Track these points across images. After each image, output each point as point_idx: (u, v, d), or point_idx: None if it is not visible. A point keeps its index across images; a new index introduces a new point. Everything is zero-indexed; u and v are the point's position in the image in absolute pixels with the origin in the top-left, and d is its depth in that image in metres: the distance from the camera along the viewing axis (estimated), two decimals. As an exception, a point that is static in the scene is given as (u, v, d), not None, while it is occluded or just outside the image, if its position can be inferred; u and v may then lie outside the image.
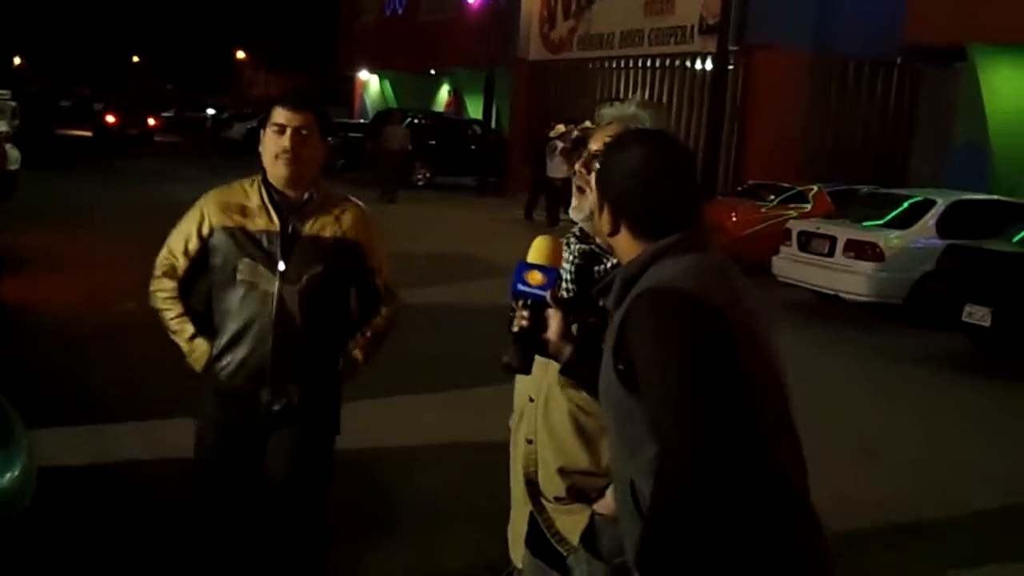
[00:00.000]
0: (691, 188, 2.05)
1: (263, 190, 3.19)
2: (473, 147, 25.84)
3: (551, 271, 2.20)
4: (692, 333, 1.79)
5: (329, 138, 3.38)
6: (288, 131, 3.12)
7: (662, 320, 1.81)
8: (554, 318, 2.18)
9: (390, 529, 4.70)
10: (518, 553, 2.50)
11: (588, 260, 2.36)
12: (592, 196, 2.16)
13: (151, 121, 40.58)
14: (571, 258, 2.38)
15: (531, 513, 2.42)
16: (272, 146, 3.15)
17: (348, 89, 43.80)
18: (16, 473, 3.42)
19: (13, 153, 14.18)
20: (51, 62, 64.02)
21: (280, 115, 3.14)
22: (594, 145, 2.33)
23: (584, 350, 2.16)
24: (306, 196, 3.19)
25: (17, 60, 64.09)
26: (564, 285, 2.35)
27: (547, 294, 2.18)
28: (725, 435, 1.74)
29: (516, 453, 2.49)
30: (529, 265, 2.21)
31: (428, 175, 24.67)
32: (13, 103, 20.32)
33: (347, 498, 5.01)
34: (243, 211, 3.17)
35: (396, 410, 6.51)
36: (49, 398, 5.54)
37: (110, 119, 39.10)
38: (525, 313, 2.18)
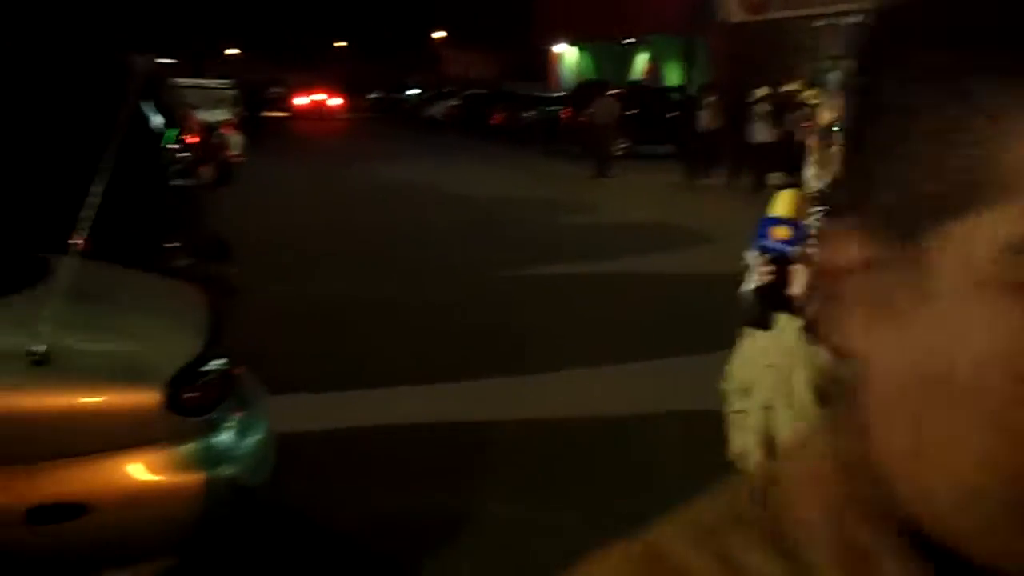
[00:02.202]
0: None
1: None
2: (672, 115, 25.48)
3: (799, 225, 2.15)
4: None
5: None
6: None
7: None
8: (802, 273, 2.13)
9: (606, 499, 4.71)
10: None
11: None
12: (837, 164, 2.10)
13: (341, 102, 42.40)
14: (816, 217, 2.31)
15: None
16: None
17: (542, 63, 44.02)
18: (260, 437, 3.63)
19: (236, 139, 14.99)
20: (263, 51, 67.30)
21: None
22: (828, 115, 2.26)
23: None
24: None
25: (232, 51, 67.70)
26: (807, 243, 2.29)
27: (794, 249, 2.13)
28: None
29: (742, 420, 2.45)
30: (774, 220, 2.16)
31: (628, 145, 24.50)
32: (234, 91, 21.43)
33: (560, 467, 5.10)
34: None
35: (606, 380, 6.54)
36: (282, 368, 5.86)
37: (304, 102, 41.26)
38: (770, 268, 2.15)
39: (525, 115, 29.96)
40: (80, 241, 3.31)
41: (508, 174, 20.64)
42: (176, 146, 5.81)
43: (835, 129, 2.18)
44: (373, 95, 53.79)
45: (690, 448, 5.11)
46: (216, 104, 19.18)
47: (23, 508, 2.98)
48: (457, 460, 5.16)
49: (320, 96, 44.49)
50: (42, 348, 3.00)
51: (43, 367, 3.01)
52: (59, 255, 3.60)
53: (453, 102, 38.43)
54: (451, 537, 4.30)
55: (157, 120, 5.68)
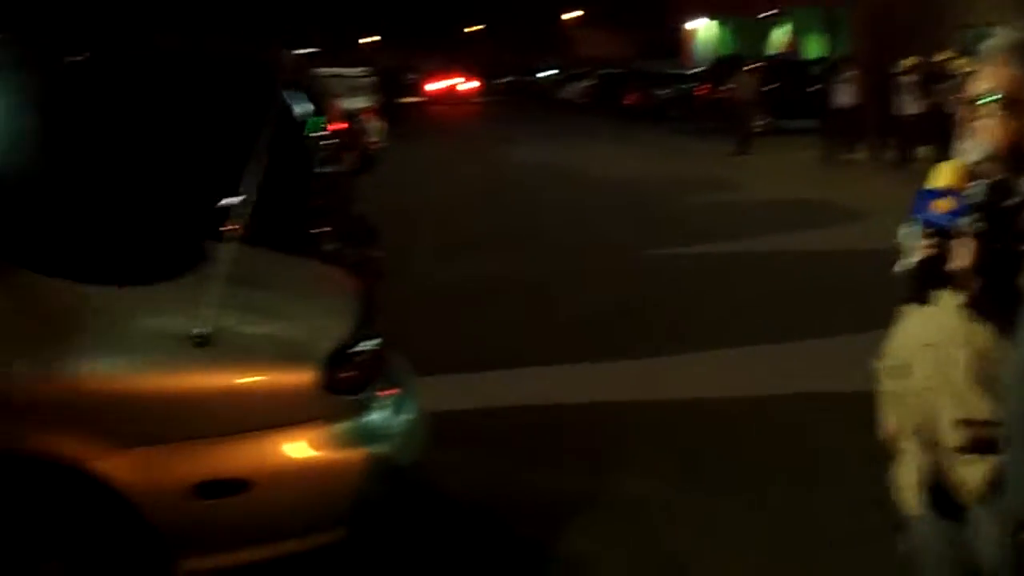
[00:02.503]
0: None
1: None
2: (813, 89, 24.77)
3: (962, 197, 2.07)
4: None
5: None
6: None
7: None
8: (964, 246, 2.05)
9: (751, 481, 4.63)
10: (909, 501, 2.40)
11: (998, 192, 2.20)
12: (997, 137, 2.04)
13: (475, 86, 43.08)
14: (977, 189, 2.22)
15: (926, 463, 2.31)
16: None
17: (676, 40, 43.43)
18: (411, 416, 3.71)
19: (376, 126, 15.27)
20: (397, 38, 68.27)
21: None
22: (984, 83, 2.16)
23: (996, 284, 2.02)
24: None
25: (369, 39, 68.91)
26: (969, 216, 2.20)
27: (955, 222, 2.05)
28: None
29: (896, 401, 2.38)
30: (934, 192, 2.08)
31: (768, 121, 23.94)
32: (373, 78, 21.82)
33: (706, 449, 5.05)
34: None
35: (757, 359, 6.43)
36: (430, 349, 5.98)
37: (439, 87, 42.09)
38: (930, 242, 2.07)
39: (660, 93, 29.62)
40: (236, 228, 3.43)
41: (645, 153, 20.47)
42: (321, 134, 5.95)
43: (991, 99, 2.09)
44: (507, 78, 54.06)
45: (837, 429, 4.99)
46: (356, 92, 19.57)
47: (192, 482, 3.13)
48: (603, 441, 5.16)
49: (454, 80, 45.36)
50: (204, 330, 3.12)
51: (205, 348, 3.14)
52: (216, 242, 3.75)
53: (587, 83, 38.30)
54: (594, 518, 4.31)
55: (302, 109, 5.83)
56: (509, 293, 8.43)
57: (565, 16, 62.29)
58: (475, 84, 44.40)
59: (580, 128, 27.42)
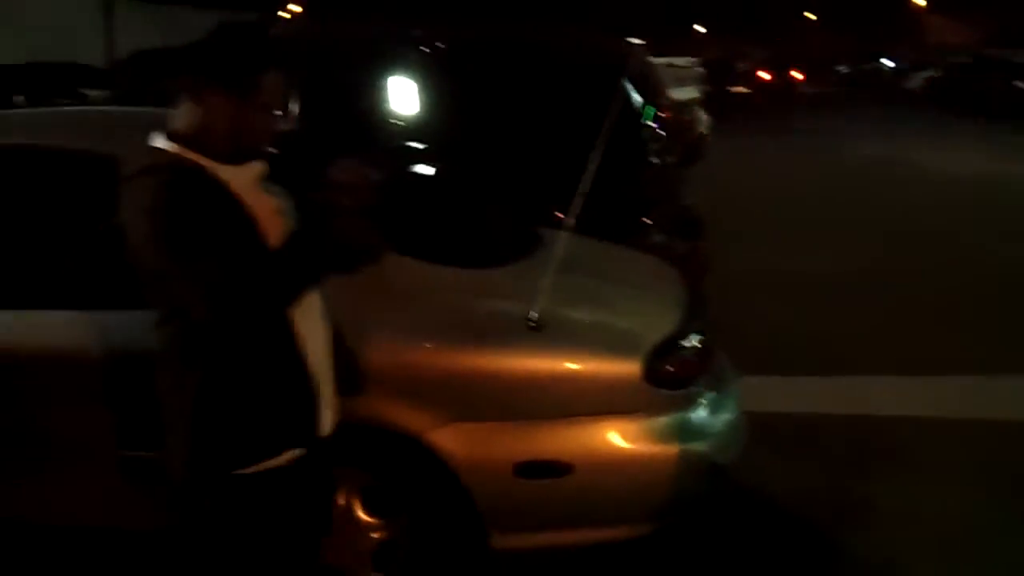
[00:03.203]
0: None
1: None
2: None
3: None
4: None
5: None
6: None
7: None
8: None
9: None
10: None
11: None
12: None
13: (797, 75, 41.73)
14: None
15: None
16: None
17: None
18: (732, 415, 3.65)
19: (703, 117, 15.11)
20: (728, 27, 67.17)
21: None
22: None
23: None
24: None
25: (698, 28, 68.29)
26: None
27: None
28: None
29: None
30: None
31: None
32: (701, 69, 21.63)
33: (1007, 475, 4.64)
34: None
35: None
36: (753, 347, 5.87)
37: (764, 75, 41.09)
38: None
39: (1018, 84, 27.32)
40: (570, 216, 3.49)
41: (998, 150, 18.85)
42: (653, 124, 5.95)
43: None
44: (842, 68, 51.82)
45: None
46: (684, 82, 19.49)
47: (512, 462, 3.23)
48: (924, 454, 4.88)
49: (786, 70, 44.11)
50: (537, 315, 3.21)
51: (536, 333, 3.23)
52: (550, 229, 3.84)
53: (931, 73, 35.98)
54: (909, 529, 4.14)
55: (638, 99, 5.86)
56: (839, 291, 8.09)
57: (917, 2, 58.78)
58: (805, 74, 42.95)
59: (924, 122, 25.77)
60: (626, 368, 3.27)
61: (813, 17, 70.82)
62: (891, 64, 44.73)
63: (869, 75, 46.08)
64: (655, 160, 5.91)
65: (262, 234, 2.33)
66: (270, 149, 2.41)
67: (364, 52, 6.30)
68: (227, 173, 2.33)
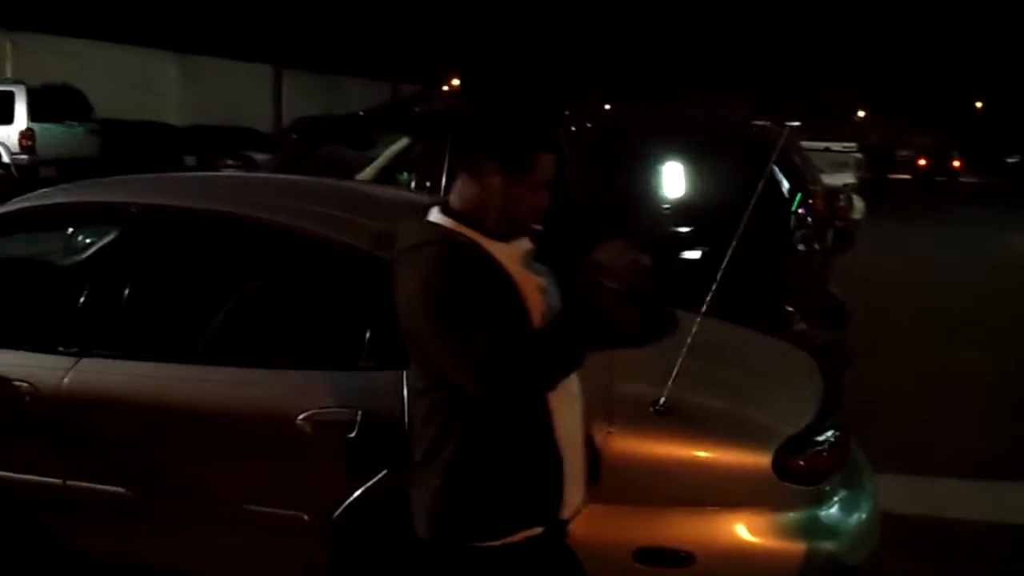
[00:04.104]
0: None
1: None
2: None
3: None
4: None
5: None
6: None
7: None
8: None
9: None
10: None
11: None
12: None
13: (956, 163, 41.29)
14: None
15: None
16: None
17: None
18: (863, 515, 3.50)
19: (858, 204, 14.78)
20: (892, 112, 65.85)
21: None
22: None
23: None
24: None
25: (861, 113, 67.15)
26: None
27: None
28: None
29: None
30: None
31: None
32: (859, 155, 21.24)
33: None
34: None
35: None
36: (894, 444, 5.65)
37: (921, 163, 40.59)
38: None
39: None
40: (709, 299, 3.45)
41: None
42: (803, 211, 5.87)
43: None
44: (1012, 159, 49.92)
45: None
46: (841, 167, 19.15)
47: (633, 547, 3.17)
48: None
49: (948, 159, 43.27)
50: (664, 399, 3.18)
51: (664, 416, 3.19)
52: (687, 311, 3.80)
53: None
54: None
55: (787, 184, 5.80)
56: (988, 392, 7.71)
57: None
58: (962, 162, 42.75)
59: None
60: (754, 460, 3.19)
61: (979, 105, 68.81)
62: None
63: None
64: (801, 247, 5.82)
65: (529, 311, 2.38)
66: (537, 227, 2.50)
67: (639, 134, 6.45)
68: (498, 249, 2.40)
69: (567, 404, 2.47)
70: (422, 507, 2.45)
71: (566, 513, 2.50)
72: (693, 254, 5.65)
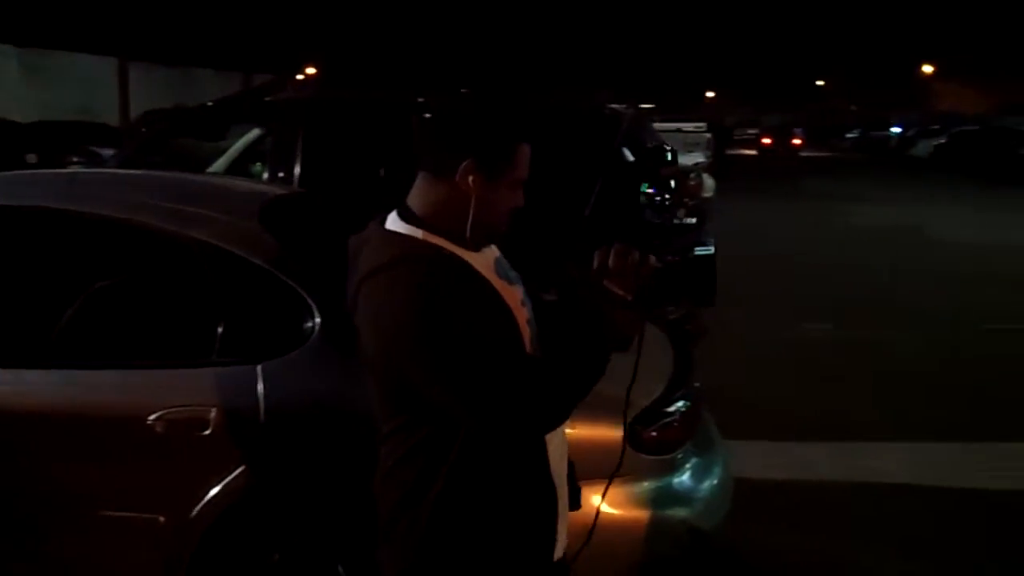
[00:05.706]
0: None
1: None
2: None
3: None
4: None
5: None
6: None
7: None
8: None
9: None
10: None
11: None
12: None
13: (796, 141, 45.47)
14: None
15: None
16: None
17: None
18: (715, 482, 3.63)
19: (708, 182, 15.21)
20: (740, 91, 67.93)
21: None
22: None
23: None
24: None
25: (710, 93, 69.03)
26: None
27: None
28: None
29: None
30: None
31: None
32: (708, 135, 21.86)
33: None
34: None
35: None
36: (745, 413, 5.86)
37: (766, 141, 45.83)
38: None
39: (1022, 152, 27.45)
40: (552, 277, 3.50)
41: (1006, 218, 18.86)
42: (653, 190, 6.01)
43: None
44: (852, 134, 52.19)
45: None
46: (692, 147, 19.64)
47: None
48: (921, 528, 4.82)
49: (790, 135, 46.17)
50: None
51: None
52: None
53: (939, 140, 36.18)
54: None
55: (636, 163, 5.93)
56: (836, 358, 8.08)
57: (925, 68, 59.22)
58: (804, 140, 45.91)
59: (930, 189, 25.85)
60: (608, 433, 3.26)
61: (822, 83, 71.57)
62: (898, 131, 44.99)
63: (877, 141, 46.38)
64: (655, 222, 5.97)
65: (521, 328, 2.08)
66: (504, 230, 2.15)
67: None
68: (474, 260, 2.07)
69: (557, 432, 2.22)
70: (402, 560, 2.10)
71: (557, 552, 2.24)
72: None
